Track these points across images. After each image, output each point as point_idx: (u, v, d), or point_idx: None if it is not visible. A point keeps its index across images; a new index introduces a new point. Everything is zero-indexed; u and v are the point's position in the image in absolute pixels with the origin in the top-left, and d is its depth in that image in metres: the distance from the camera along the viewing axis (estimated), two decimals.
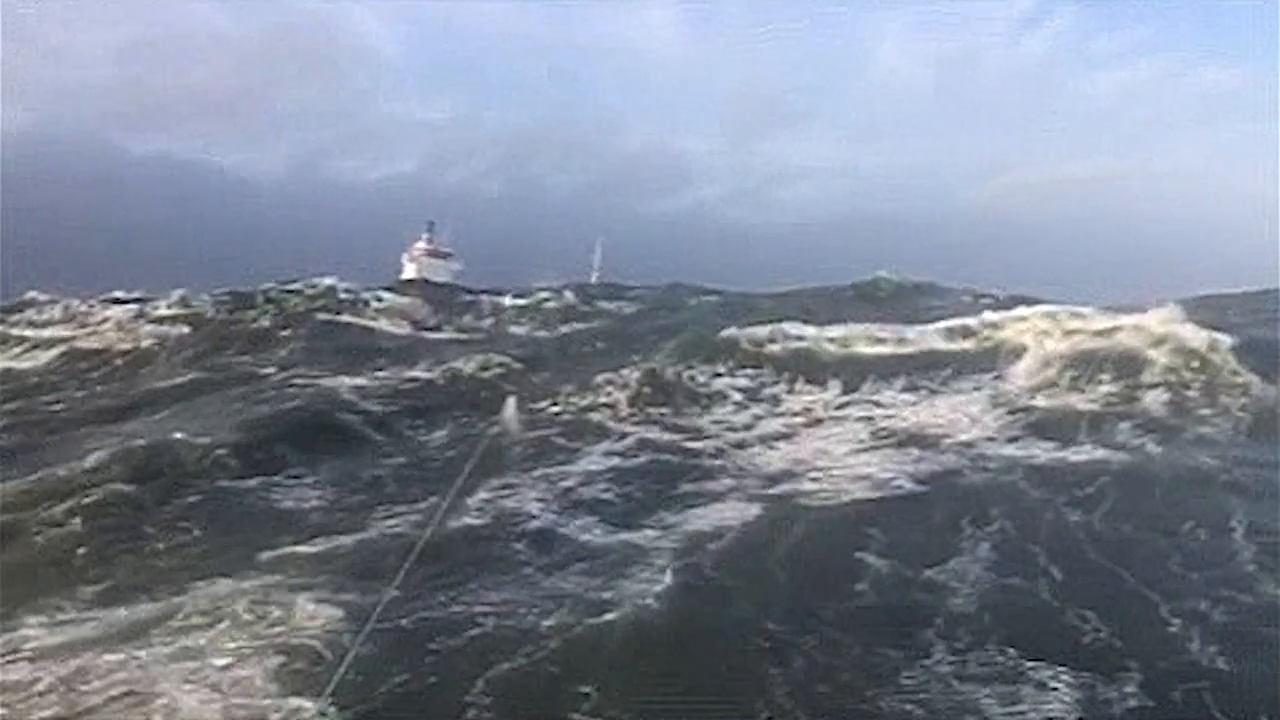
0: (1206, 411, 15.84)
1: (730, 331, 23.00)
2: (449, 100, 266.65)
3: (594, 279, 68.42)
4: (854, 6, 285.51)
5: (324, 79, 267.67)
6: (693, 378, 20.44)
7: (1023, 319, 21.72)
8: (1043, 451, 14.13)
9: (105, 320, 36.07)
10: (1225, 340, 18.07)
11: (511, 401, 19.07)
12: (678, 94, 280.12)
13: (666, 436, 16.61)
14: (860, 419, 17.23)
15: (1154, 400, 16.39)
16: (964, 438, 15.16)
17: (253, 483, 14.18)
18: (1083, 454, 13.89)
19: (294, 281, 40.49)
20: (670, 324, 31.91)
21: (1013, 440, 14.95)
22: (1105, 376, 17.43)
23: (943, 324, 22.70)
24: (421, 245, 74.30)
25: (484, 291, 49.53)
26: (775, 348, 21.81)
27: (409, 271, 73.69)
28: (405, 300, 43.79)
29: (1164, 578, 9.21)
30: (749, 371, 20.87)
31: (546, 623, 8.32)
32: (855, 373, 20.11)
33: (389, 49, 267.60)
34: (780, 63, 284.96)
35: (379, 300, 41.06)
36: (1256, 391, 16.34)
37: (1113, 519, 10.98)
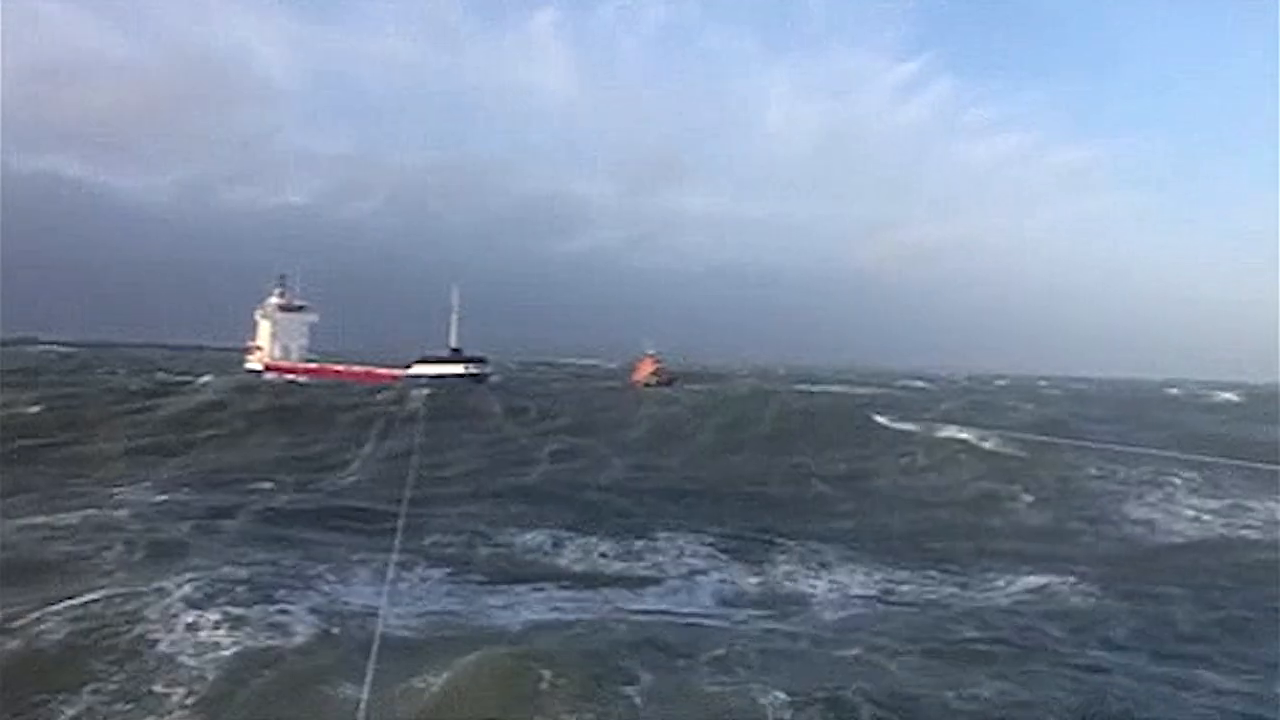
0: None
1: None
2: (346, 135, 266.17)
3: (452, 340, 71.01)
4: (742, 65, 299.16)
5: (222, 109, 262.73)
6: None
7: None
8: None
9: None
10: None
11: None
12: (572, 139, 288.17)
13: None
14: None
15: None
16: None
17: None
18: None
19: None
20: None
21: None
22: None
23: None
24: (274, 300, 75.29)
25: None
26: None
27: (262, 335, 74.61)
28: None
29: None
30: None
31: None
32: None
33: (288, 82, 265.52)
34: (672, 115, 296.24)
35: None
36: None
37: None
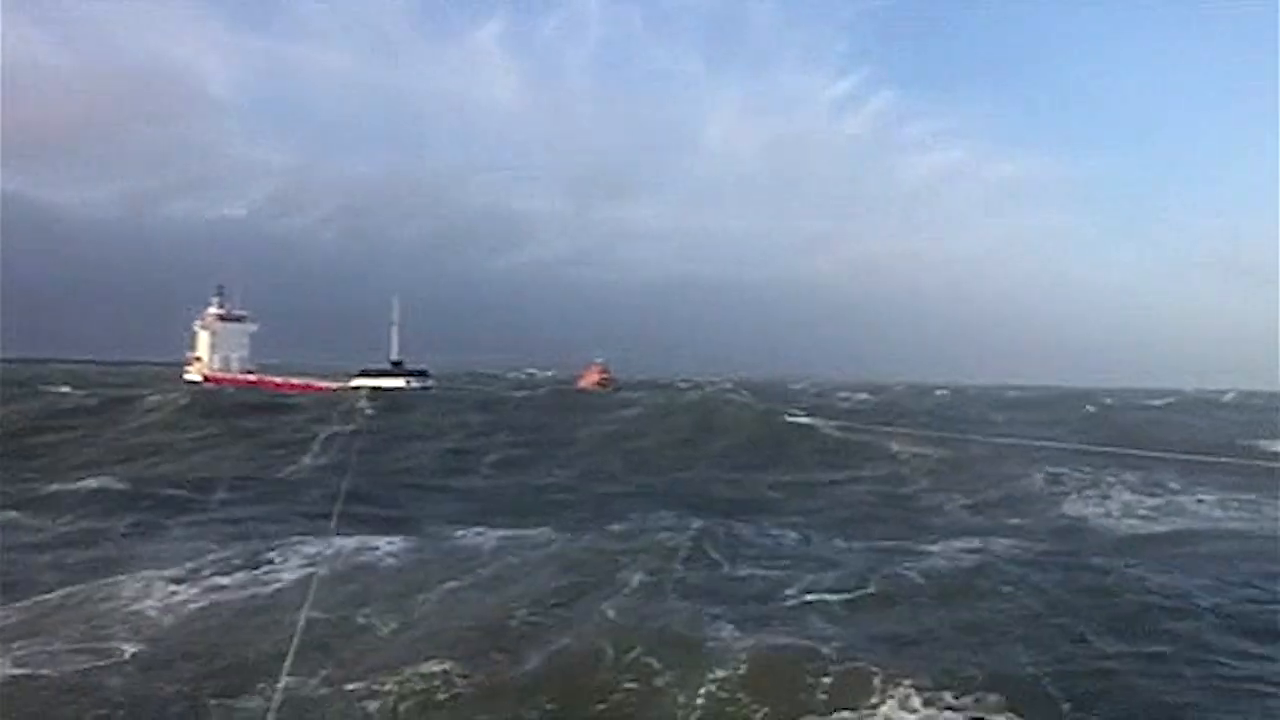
0: None
1: None
2: (287, 147, 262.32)
3: (393, 352, 70.80)
4: (686, 79, 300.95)
5: (162, 121, 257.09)
6: None
7: None
8: None
9: None
10: None
11: None
12: (516, 152, 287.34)
13: None
14: None
15: None
16: None
17: None
18: None
19: None
20: None
21: None
22: None
23: None
24: (213, 310, 74.20)
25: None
26: None
27: (201, 345, 73.38)
28: None
29: None
30: None
31: None
32: None
33: (229, 93, 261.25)
34: (616, 129, 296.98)
35: None
36: None
37: None
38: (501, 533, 15.22)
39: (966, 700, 7.17)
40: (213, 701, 7.90)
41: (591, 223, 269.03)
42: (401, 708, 7.60)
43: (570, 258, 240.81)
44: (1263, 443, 32.96)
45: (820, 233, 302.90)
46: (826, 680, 7.63)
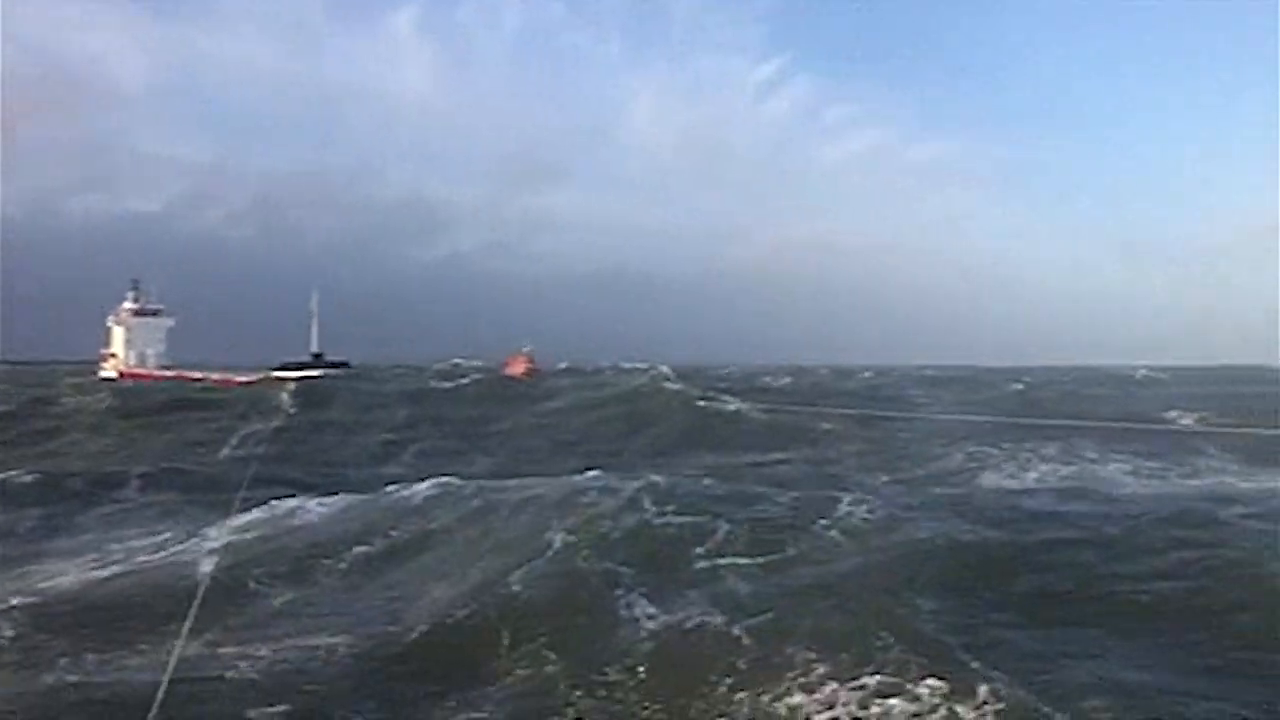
0: None
1: None
2: (200, 141, 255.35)
3: (313, 345, 69.91)
4: (606, 68, 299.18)
5: (66, 115, 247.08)
6: None
7: None
8: None
9: None
10: None
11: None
12: (434, 143, 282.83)
13: None
14: None
15: None
16: None
17: None
18: None
19: None
20: None
21: None
22: None
23: None
24: (128, 305, 72.31)
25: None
26: None
27: (116, 341, 71.50)
28: None
29: None
30: None
31: None
32: None
33: (137, 86, 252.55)
34: (536, 117, 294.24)
35: None
36: None
37: None
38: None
39: (888, 671, 6.86)
40: (93, 656, 7.84)
41: (513, 214, 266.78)
42: (274, 670, 7.41)
43: (491, 248, 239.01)
44: (1171, 414, 34.34)
45: (741, 219, 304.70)
46: (736, 665, 7.24)
